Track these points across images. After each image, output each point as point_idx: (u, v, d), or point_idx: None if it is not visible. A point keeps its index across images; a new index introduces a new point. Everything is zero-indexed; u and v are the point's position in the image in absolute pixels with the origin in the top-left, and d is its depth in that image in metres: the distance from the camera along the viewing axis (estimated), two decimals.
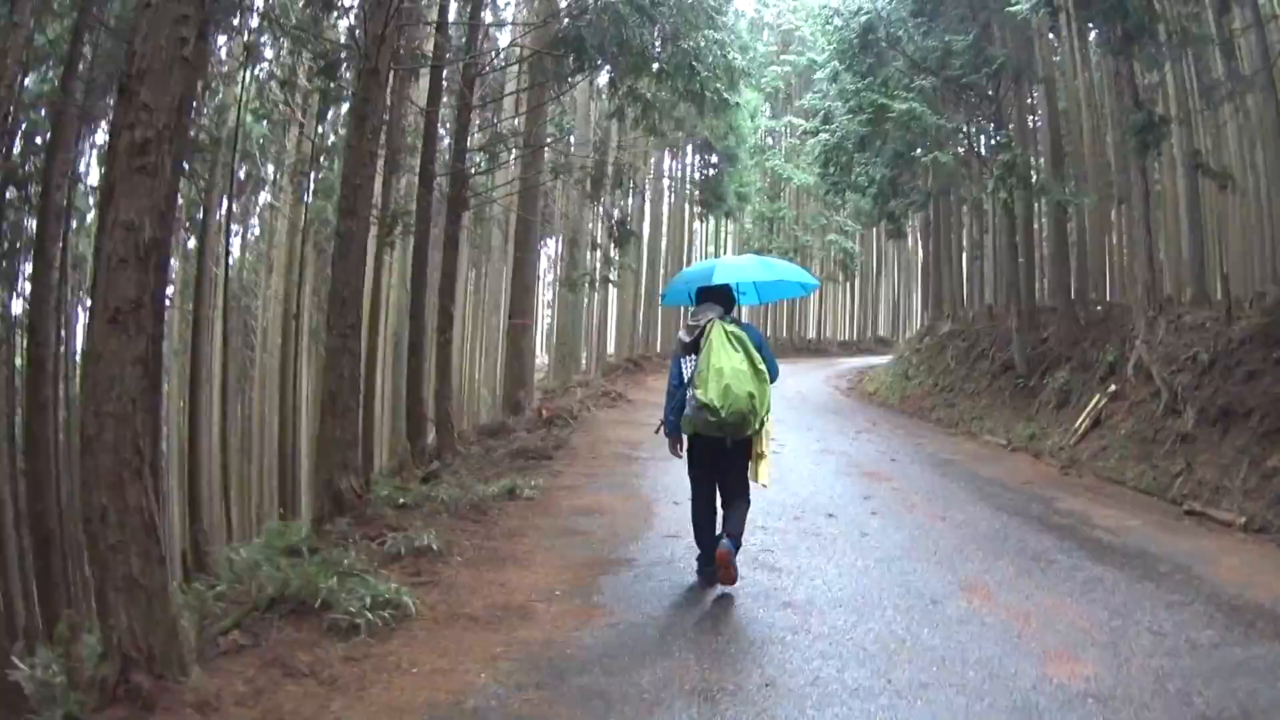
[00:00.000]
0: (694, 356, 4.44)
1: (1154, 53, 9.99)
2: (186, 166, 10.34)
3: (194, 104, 9.38)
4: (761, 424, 4.44)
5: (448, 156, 10.34)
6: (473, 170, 10.89)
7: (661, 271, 27.12)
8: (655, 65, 10.76)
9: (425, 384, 9.64)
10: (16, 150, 10.71)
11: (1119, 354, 9.88)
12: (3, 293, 12.10)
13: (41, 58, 10.63)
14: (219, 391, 15.03)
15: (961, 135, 14.55)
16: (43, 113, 11.15)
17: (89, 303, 3.74)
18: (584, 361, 22.33)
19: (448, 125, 11.53)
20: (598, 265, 18.96)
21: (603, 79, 13.11)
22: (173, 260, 15.75)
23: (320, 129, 15.29)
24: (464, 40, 10.12)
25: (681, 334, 4.71)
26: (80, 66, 10.19)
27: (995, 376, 13.30)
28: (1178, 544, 5.60)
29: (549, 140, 14.16)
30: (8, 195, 10.72)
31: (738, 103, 17.18)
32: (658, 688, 3.29)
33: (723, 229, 31.79)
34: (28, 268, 11.37)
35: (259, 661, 3.40)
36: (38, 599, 9.92)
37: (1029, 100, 14.91)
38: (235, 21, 11.24)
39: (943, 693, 3.25)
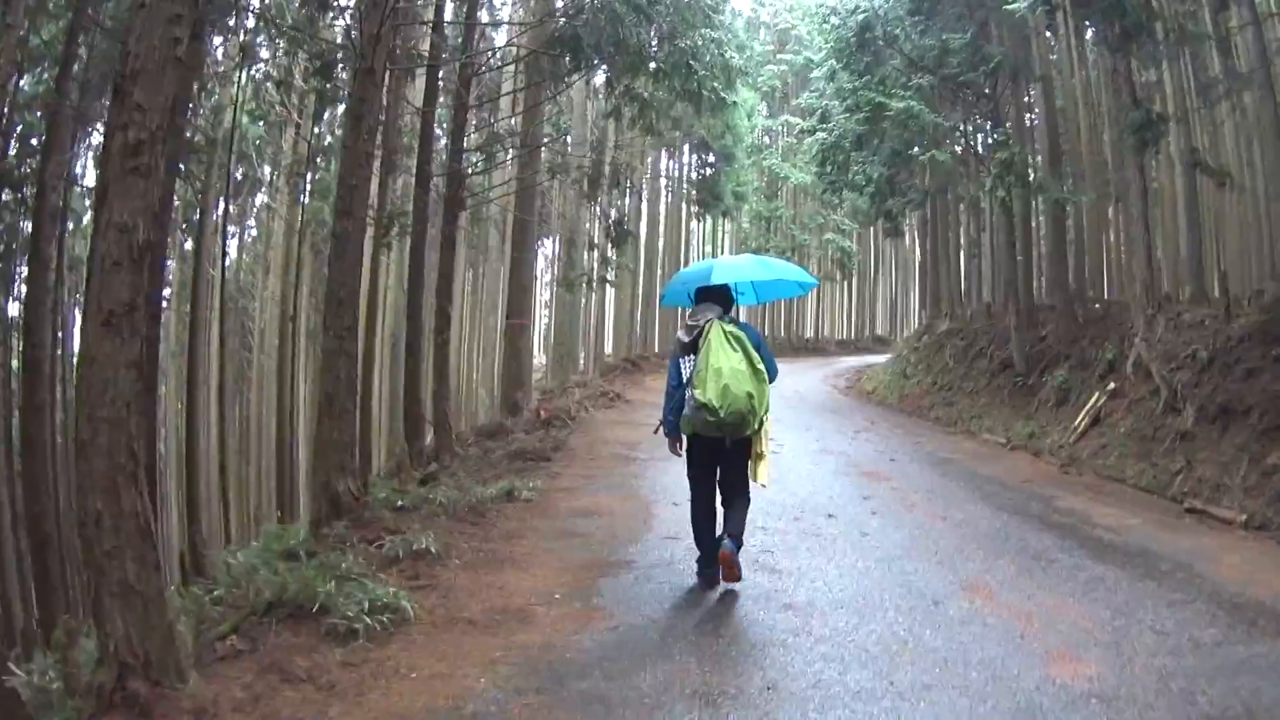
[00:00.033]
0: (693, 356, 4.43)
1: (1152, 51, 10.00)
2: (182, 168, 10.28)
3: (189, 105, 9.40)
4: (760, 424, 4.42)
5: (444, 157, 10.31)
6: (469, 170, 10.88)
7: (659, 271, 27.08)
8: (652, 64, 10.72)
9: (423, 385, 9.62)
10: (12, 152, 10.68)
11: (1118, 352, 9.87)
12: None
13: (36, 59, 10.59)
14: (216, 393, 14.97)
15: (959, 134, 14.55)
16: (38, 114, 11.11)
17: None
18: (582, 362, 22.34)
19: (444, 125, 11.49)
20: (595, 265, 18.97)
21: (599, 78, 13.12)
22: (169, 262, 15.74)
23: (316, 130, 15.27)
24: (460, 40, 10.12)
25: (680, 334, 4.69)
26: (75, 67, 10.13)
27: (994, 375, 13.29)
28: (1178, 542, 5.59)
29: (546, 140, 14.14)
30: (3, 197, 10.70)
31: (735, 102, 17.13)
32: (658, 691, 3.27)
33: (720, 228, 31.79)
34: (23, 270, 11.35)
35: (257, 667, 3.38)
36: (36, 603, 9.88)
37: (1026, 98, 14.92)
38: (231, 22, 11.18)
39: (946, 694, 3.24)
